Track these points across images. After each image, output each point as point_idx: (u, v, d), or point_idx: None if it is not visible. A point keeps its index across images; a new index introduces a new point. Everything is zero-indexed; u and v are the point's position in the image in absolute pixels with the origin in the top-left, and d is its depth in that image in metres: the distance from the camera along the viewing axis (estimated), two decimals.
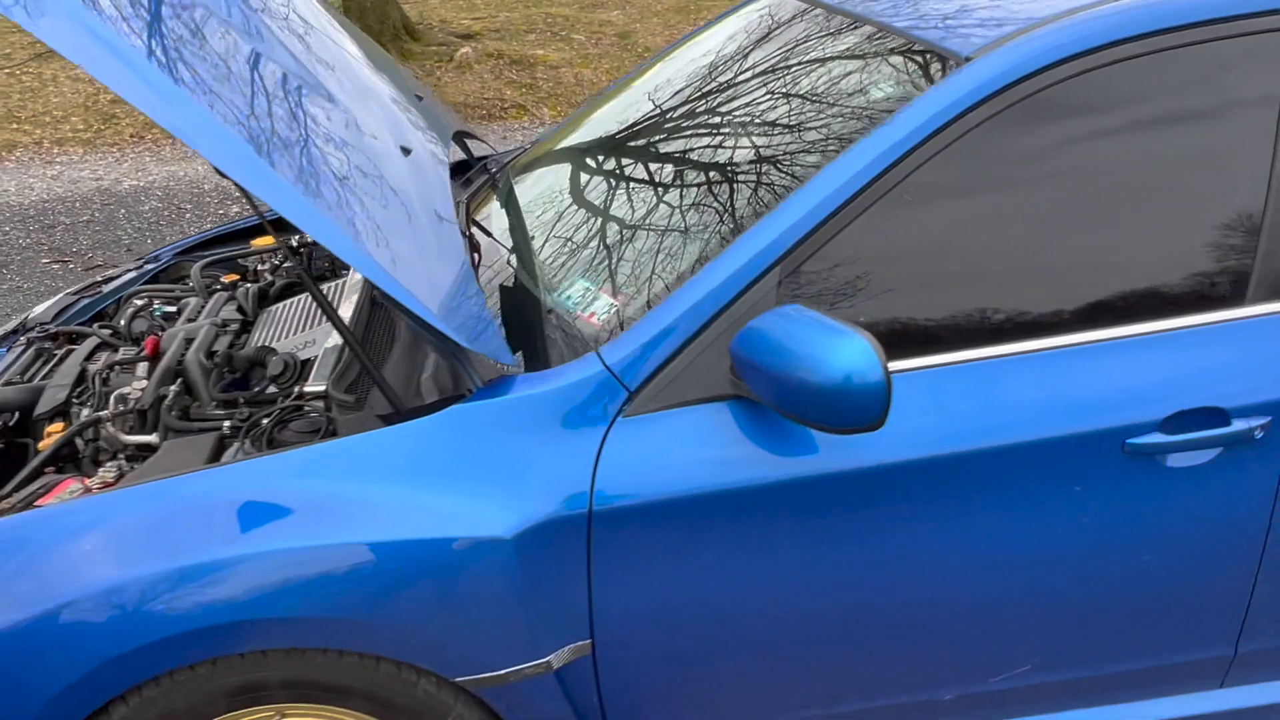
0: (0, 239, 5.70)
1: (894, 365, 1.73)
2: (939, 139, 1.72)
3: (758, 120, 2.02)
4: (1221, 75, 1.80)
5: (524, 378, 1.72)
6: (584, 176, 2.27)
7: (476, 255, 2.27)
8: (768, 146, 1.93)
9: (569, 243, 2.06)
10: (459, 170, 2.99)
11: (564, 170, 2.37)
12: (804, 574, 1.74)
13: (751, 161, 1.92)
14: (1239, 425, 1.76)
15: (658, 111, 2.30)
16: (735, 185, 1.89)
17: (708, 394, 1.70)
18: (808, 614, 1.77)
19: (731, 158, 1.97)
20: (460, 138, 3.04)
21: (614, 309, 1.81)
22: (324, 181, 1.61)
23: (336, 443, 1.69)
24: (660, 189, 2.02)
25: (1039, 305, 1.76)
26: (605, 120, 2.46)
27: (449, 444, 1.67)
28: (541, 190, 2.35)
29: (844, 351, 1.50)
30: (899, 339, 1.75)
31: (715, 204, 1.88)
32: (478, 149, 3.06)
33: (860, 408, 1.51)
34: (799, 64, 2.11)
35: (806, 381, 1.52)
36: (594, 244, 2.01)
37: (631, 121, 2.36)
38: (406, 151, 2.04)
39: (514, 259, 2.17)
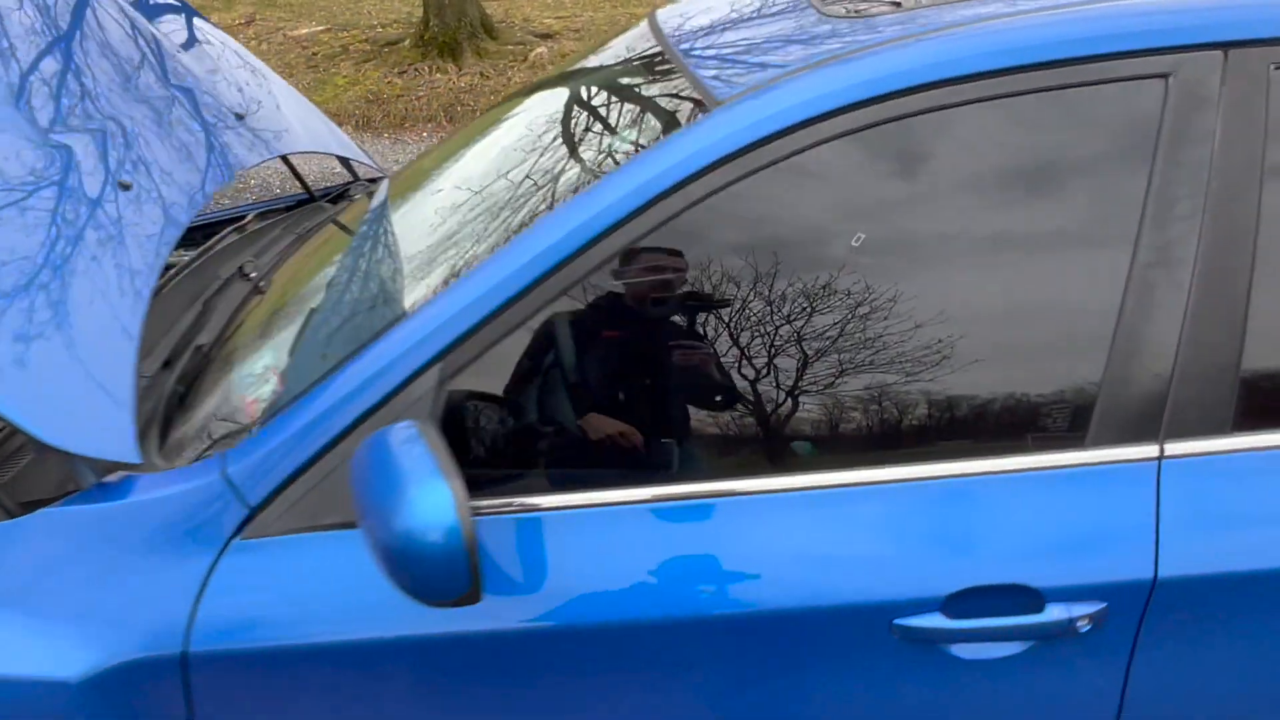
0: None
1: (578, 498, 1.33)
2: (655, 212, 1.31)
3: (491, 183, 1.64)
4: (1068, 140, 1.33)
5: (146, 479, 1.40)
6: (352, 232, 1.94)
7: (258, 296, 1.97)
8: (481, 214, 1.55)
9: (295, 306, 1.74)
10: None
11: (354, 223, 2.05)
12: None
13: (457, 230, 1.55)
14: (1056, 613, 1.30)
15: (430, 170, 1.94)
16: (429, 255, 1.53)
17: (345, 518, 1.34)
18: None
19: (442, 224, 1.60)
20: (345, 161, 2.77)
21: (274, 398, 1.47)
22: None
23: None
24: (370, 257, 1.67)
25: (778, 434, 1.34)
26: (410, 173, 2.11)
27: (33, 554, 1.37)
28: (333, 238, 2.04)
29: (417, 501, 1.12)
30: (589, 464, 1.35)
31: (400, 278, 1.52)
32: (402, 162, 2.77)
33: (437, 575, 1.13)
34: (569, 119, 1.71)
35: (380, 531, 1.15)
36: (299, 313, 1.67)
37: (417, 175, 2.01)
38: (125, 187, 1.75)
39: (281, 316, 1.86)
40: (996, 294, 1.33)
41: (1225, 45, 1.30)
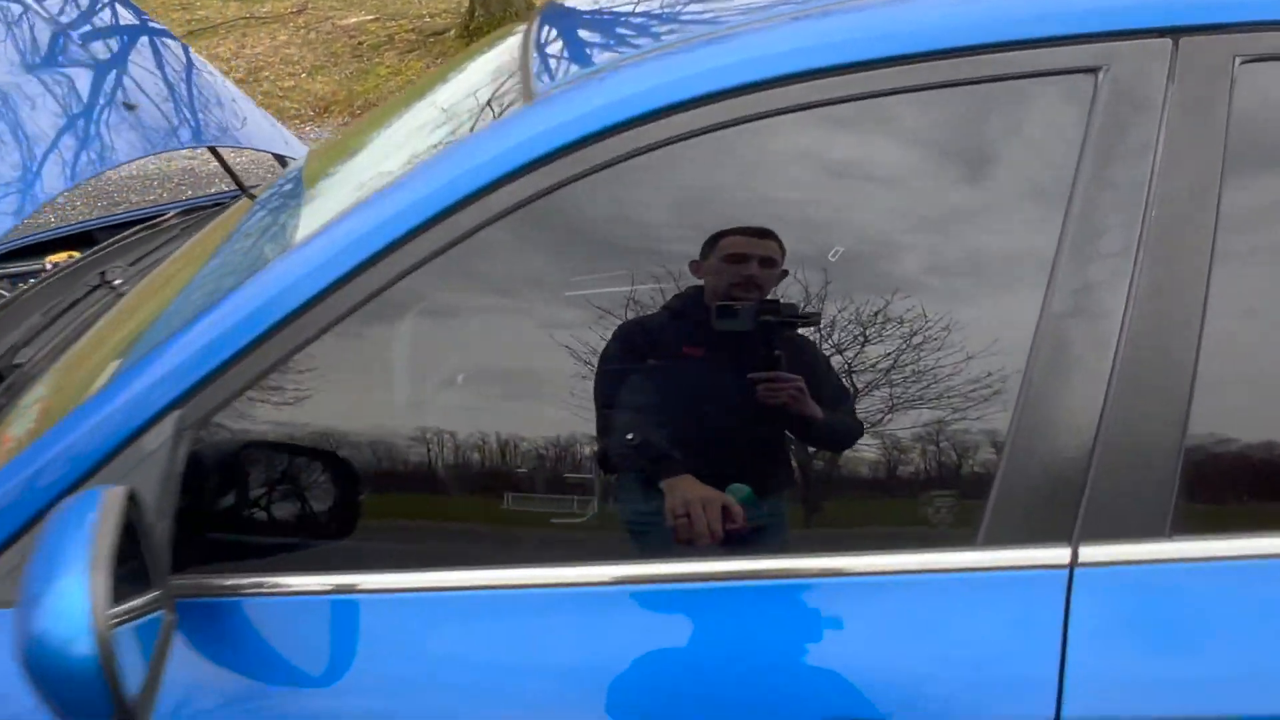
0: None
1: (377, 581, 1.08)
2: (452, 222, 1.05)
3: (315, 197, 1.40)
4: (962, 152, 1.04)
5: None
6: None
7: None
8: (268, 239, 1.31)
9: (115, 323, 1.52)
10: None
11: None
12: None
13: (253, 255, 1.31)
14: None
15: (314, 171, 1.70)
16: (221, 278, 1.29)
17: None
18: None
19: (258, 243, 1.36)
20: (281, 159, 2.57)
21: (21, 438, 1.25)
22: None
23: None
24: (197, 270, 1.44)
25: (555, 516, 1.07)
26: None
27: None
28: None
29: (58, 598, 0.89)
30: (361, 541, 1.11)
31: (192, 301, 1.29)
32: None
33: (70, 692, 0.89)
34: (412, 123, 1.45)
35: (17, 626, 0.92)
36: (109, 331, 1.45)
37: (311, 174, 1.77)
38: None
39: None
40: (865, 348, 1.04)
41: (1175, 31, 1.00)
